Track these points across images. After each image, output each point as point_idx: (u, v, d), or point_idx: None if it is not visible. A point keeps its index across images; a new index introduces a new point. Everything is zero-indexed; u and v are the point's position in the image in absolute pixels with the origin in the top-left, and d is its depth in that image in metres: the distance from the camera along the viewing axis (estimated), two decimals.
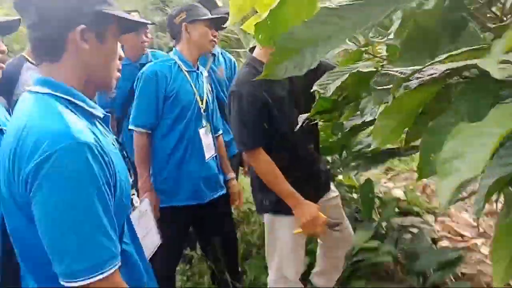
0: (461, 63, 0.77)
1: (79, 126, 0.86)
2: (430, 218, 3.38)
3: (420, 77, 0.84)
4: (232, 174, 2.37)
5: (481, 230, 3.28)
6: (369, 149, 1.32)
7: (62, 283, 0.82)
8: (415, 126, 0.92)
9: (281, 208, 1.83)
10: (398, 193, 3.78)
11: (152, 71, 2.04)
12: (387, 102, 0.89)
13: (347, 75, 1.06)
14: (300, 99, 1.85)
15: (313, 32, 0.71)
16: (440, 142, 0.78)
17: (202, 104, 2.14)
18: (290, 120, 1.78)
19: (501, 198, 0.98)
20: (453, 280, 2.37)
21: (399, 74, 0.88)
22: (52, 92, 0.91)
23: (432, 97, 0.86)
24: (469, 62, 0.78)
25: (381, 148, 1.47)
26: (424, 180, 4.22)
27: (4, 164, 0.88)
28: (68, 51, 0.92)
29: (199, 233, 2.38)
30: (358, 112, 1.38)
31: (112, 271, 0.83)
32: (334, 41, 0.71)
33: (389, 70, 0.89)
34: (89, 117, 0.95)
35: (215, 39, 2.13)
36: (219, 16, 2.13)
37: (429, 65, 0.86)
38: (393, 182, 4.12)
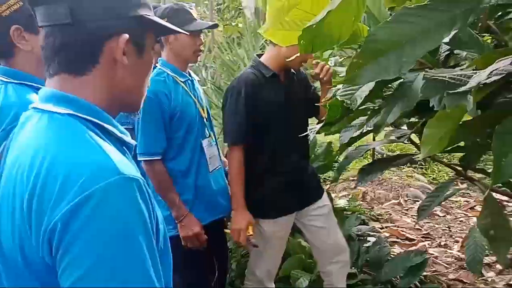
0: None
1: (120, 157, 0.67)
2: (376, 225, 3.49)
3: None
4: None
5: (424, 232, 3.46)
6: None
7: None
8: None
9: (258, 211, 1.90)
10: (342, 202, 3.86)
11: (151, 92, 1.74)
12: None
13: (372, 84, 1.02)
14: (295, 107, 1.89)
15: (397, 33, 0.65)
16: (510, 147, 0.76)
17: (204, 113, 1.93)
18: (283, 126, 1.87)
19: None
20: (418, 284, 2.43)
21: (447, 79, 0.85)
22: (76, 114, 0.69)
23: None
24: None
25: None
26: (362, 188, 4.39)
27: (8, 212, 0.67)
28: (101, 64, 0.71)
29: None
30: (354, 123, 1.36)
31: None
32: (420, 44, 0.65)
33: (436, 75, 0.85)
34: (119, 145, 0.74)
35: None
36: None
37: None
38: (334, 192, 4.21)
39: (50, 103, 0.71)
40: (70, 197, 0.60)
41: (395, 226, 3.52)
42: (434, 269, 2.68)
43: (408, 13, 0.66)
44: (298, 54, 1.67)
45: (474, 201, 4.12)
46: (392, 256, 2.58)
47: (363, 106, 1.29)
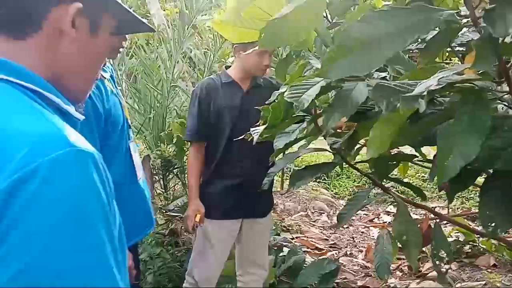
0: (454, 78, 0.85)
1: (69, 129, 0.56)
2: (287, 235, 3.58)
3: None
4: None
5: (331, 242, 3.63)
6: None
7: None
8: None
9: (205, 211, 1.98)
10: None
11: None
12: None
13: (317, 86, 1.05)
14: (253, 114, 1.82)
15: (366, 33, 0.67)
16: (450, 149, 0.83)
17: (127, 112, 1.70)
18: (237, 130, 1.92)
19: None
20: None
21: (393, 86, 0.90)
22: (9, 78, 0.58)
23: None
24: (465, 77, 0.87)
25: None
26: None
27: None
28: (43, 31, 0.61)
29: None
30: (289, 129, 1.38)
31: None
32: (385, 46, 0.68)
33: (382, 82, 0.90)
34: (64, 119, 0.61)
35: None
36: None
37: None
38: None
39: None
40: (9, 172, 0.48)
41: (305, 236, 3.64)
42: (343, 276, 2.81)
43: (375, 16, 0.69)
44: (256, 62, 1.89)
45: (372, 214, 4.44)
46: (306, 264, 2.65)
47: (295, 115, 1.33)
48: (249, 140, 1.31)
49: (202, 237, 2.02)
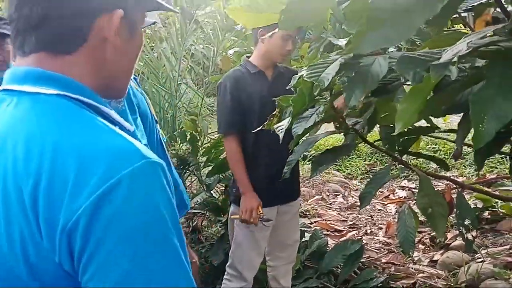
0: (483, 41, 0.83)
1: (135, 140, 0.57)
2: (305, 221, 3.58)
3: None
4: None
5: (350, 222, 3.64)
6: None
7: None
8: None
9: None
10: None
11: None
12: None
13: (336, 64, 1.03)
14: None
15: (396, 2, 0.66)
16: (485, 113, 0.82)
17: (152, 109, 1.77)
18: (266, 119, 1.89)
19: None
20: (358, 271, 2.54)
21: (420, 57, 0.89)
22: (66, 93, 0.58)
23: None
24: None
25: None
26: None
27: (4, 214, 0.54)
28: (88, 43, 0.61)
29: None
30: (306, 114, 1.37)
31: None
32: (415, 13, 0.67)
33: (407, 54, 0.89)
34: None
35: None
36: None
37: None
38: None
39: (27, 83, 0.59)
40: (92, 187, 0.50)
41: (323, 220, 3.65)
42: (367, 255, 2.82)
43: None
44: (278, 47, 1.89)
45: (387, 190, 4.43)
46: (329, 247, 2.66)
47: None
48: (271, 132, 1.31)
49: (242, 228, 2.02)
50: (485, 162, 4.17)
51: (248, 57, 2.10)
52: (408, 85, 1.18)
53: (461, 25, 1.38)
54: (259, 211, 1.94)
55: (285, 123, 1.22)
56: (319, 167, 1.52)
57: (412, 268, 2.73)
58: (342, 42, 1.02)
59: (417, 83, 0.87)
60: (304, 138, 1.60)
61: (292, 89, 1.20)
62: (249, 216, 1.92)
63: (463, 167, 4.52)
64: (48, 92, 0.58)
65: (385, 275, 2.52)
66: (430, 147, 4.98)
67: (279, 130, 1.22)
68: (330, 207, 4.06)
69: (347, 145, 1.61)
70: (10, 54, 1.95)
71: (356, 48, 0.66)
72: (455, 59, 0.77)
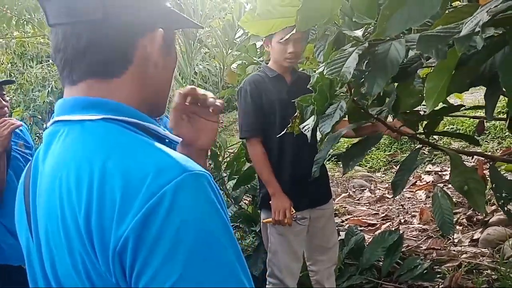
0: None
1: (177, 154, 0.57)
2: (336, 220, 3.56)
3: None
4: None
5: (382, 215, 3.59)
6: None
7: None
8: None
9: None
10: None
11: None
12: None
13: (354, 55, 1.03)
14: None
15: None
16: None
17: None
18: (288, 122, 1.85)
19: None
20: (400, 261, 2.50)
21: (439, 34, 0.88)
22: (110, 117, 0.59)
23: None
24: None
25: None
26: None
27: (61, 241, 0.55)
28: (133, 64, 0.62)
29: None
30: (328, 112, 1.37)
31: None
32: None
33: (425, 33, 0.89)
34: (163, 144, 0.63)
35: None
36: None
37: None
38: None
39: (74, 113, 0.60)
40: (137, 205, 0.51)
41: (354, 216, 3.61)
42: (405, 244, 2.78)
43: None
44: (280, 51, 1.90)
45: (413, 177, 4.38)
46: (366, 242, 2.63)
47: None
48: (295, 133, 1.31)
49: (276, 236, 1.99)
50: (507, 135, 4.09)
51: (267, 62, 2.11)
52: (427, 67, 1.18)
53: (458, 1, 1.37)
54: (292, 211, 1.90)
55: (310, 122, 1.22)
56: (350, 162, 1.51)
57: (454, 250, 2.68)
58: (358, 33, 1.02)
59: (441, 59, 0.87)
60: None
61: (311, 88, 1.20)
62: (282, 216, 1.89)
63: (486, 142, 4.45)
64: (94, 118, 0.59)
65: (428, 261, 2.48)
66: (448, 128, 4.92)
67: (305, 130, 1.22)
68: (358, 203, 4.03)
69: (375, 136, 1.60)
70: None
71: (383, 31, 0.66)
72: (478, 29, 0.77)
